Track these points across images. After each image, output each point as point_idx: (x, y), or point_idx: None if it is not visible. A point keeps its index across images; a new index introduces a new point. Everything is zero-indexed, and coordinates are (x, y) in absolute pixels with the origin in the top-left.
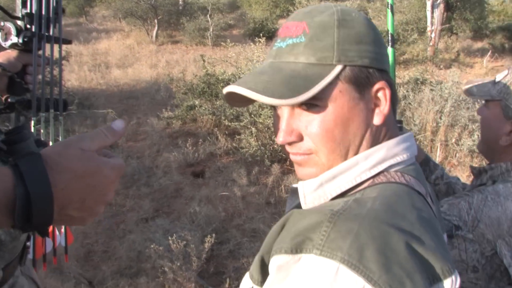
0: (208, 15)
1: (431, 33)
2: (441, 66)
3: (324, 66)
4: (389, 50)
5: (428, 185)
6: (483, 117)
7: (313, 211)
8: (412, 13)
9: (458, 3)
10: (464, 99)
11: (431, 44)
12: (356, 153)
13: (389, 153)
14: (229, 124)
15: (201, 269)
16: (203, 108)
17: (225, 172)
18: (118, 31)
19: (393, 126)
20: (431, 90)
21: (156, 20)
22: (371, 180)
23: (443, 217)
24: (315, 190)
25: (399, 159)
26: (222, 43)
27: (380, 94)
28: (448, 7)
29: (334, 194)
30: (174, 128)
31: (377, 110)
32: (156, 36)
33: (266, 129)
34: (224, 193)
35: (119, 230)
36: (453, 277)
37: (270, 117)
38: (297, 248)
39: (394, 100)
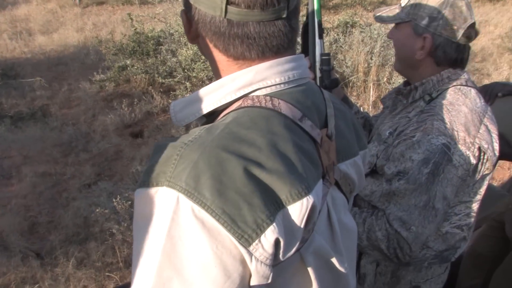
0: None
1: None
2: (370, 8)
3: None
4: None
5: (327, 108)
6: (396, 39)
7: (169, 143)
8: None
9: None
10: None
11: None
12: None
13: (257, 77)
14: (163, 81)
15: None
16: (135, 67)
17: (164, 130)
18: None
19: (260, 57)
20: (361, 32)
21: None
22: (239, 103)
23: (429, 141)
24: (184, 107)
25: (269, 82)
26: (149, 2)
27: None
28: None
29: (202, 113)
30: (108, 91)
31: None
32: None
33: (200, 82)
34: None
35: (62, 198)
36: (304, 200)
37: (203, 70)
38: (153, 182)
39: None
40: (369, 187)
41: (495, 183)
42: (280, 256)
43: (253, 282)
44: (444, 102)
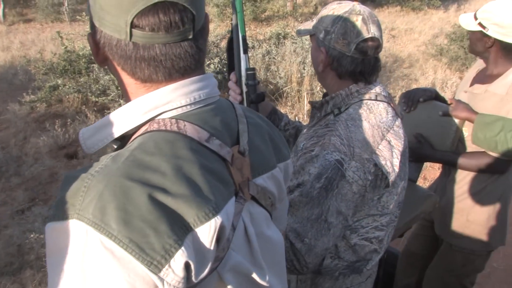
0: None
1: None
2: (301, 20)
3: None
4: None
5: (242, 122)
6: (310, 51)
7: (77, 175)
8: None
9: None
10: None
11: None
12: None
13: (162, 100)
14: (97, 99)
15: None
16: (67, 86)
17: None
18: None
19: (167, 79)
20: (293, 43)
21: None
22: (146, 127)
23: (324, 156)
24: (92, 135)
25: (174, 105)
26: (79, 17)
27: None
28: None
29: (110, 140)
30: (39, 112)
31: None
32: (4, 16)
33: None
34: None
35: None
36: (212, 221)
37: None
38: (63, 215)
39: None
40: None
41: (427, 183)
42: (193, 278)
43: None
44: (346, 117)
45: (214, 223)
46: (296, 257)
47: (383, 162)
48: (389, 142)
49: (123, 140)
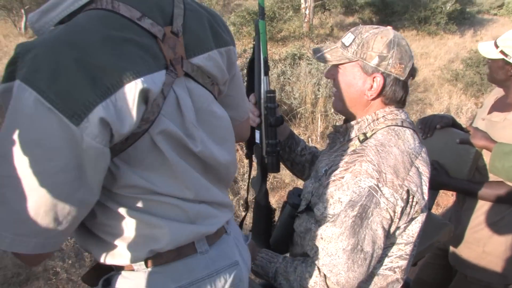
0: None
1: (305, 10)
2: (317, 41)
3: None
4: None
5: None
6: (340, 79)
7: (24, 43)
8: None
9: None
10: None
11: (306, 20)
12: None
13: None
14: None
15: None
16: None
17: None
18: None
19: None
20: (308, 64)
21: (23, 10)
22: (84, 9)
23: (357, 183)
24: (39, 18)
25: None
26: None
27: None
28: None
29: (56, 21)
30: None
31: None
32: (25, 28)
33: None
34: None
35: None
36: (133, 83)
37: None
38: (9, 77)
39: None
40: (304, 225)
41: (440, 209)
42: (116, 135)
43: (91, 159)
44: (375, 142)
45: (135, 85)
46: None
47: (414, 189)
48: (417, 169)
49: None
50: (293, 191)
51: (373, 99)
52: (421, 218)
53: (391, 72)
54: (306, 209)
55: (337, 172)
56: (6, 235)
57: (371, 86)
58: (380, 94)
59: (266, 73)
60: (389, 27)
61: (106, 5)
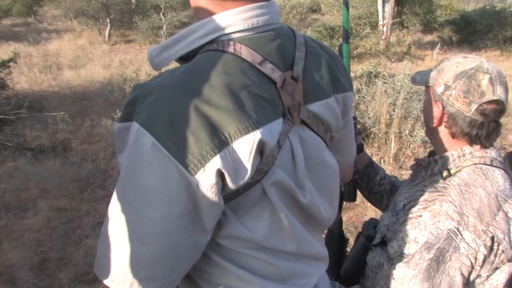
0: (161, 13)
1: (383, 27)
2: (394, 59)
3: None
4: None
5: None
6: (423, 103)
7: (142, 84)
8: (364, 8)
9: None
10: (416, 91)
11: (383, 38)
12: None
13: (222, 23)
14: None
15: None
16: None
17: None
18: (70, 31)
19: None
20: (384, 83)
21: (108, 19)
22: (206, 48)
23: (435, 224)
24: (159, 53)
25: (233, 29)
26: None
27: None
28: (399, 2)
29: (174, 58)
30: None
31: None
32: (109, 36)
33: None
34: None
35: (75, 235)
36: (251, 134)
37: None
38: (127, 117)
39: None
40: (377, 259)
41: None
42: (230, 185)
43: (205, 206)
44: (459, 181)
45: (253, 136)
46: None
47: (501, 236)
48: (506, 214)
49: (187, 59)
50: (369, 221)
51: (437, 127)
52: (508, 268)
53: (453, 103)
54: (380, 243)
55: (415, 209)
56: (126, 279)
57: (435, 113)
58: (444, 124)
59: None
60: (482, 59)
61: (227, 47)
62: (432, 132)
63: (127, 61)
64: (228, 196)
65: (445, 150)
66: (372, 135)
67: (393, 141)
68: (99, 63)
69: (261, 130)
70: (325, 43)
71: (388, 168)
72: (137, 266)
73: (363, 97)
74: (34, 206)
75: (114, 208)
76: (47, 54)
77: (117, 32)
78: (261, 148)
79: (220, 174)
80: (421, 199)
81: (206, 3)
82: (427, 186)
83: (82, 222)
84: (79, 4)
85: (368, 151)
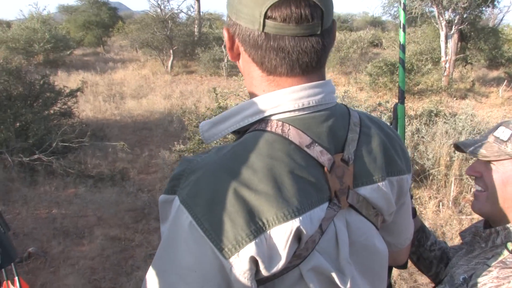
0: (223, 46)
1: (445, 63)
2: (456, 96)
3: None
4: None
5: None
6: (492, 177)
7: (188, 159)
8: (426, 43)
9: (472, 33)
10: (479, 132)
11: (445, 74)
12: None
13: (272, 103)
14: None
15: None
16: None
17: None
18: (134, 61)
19: (288, 73)
20: (445, 123)
21: (171, 51)
22: (255, 126)
23: None
24: (209, 128)
25: (283, 108)
26: (235, 74)
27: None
28: (462, 37)
29: (224, 134)
30: None
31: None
32: (171, 67)
33: None
34: None
35: (127, 266)
36: (290, 222)
37: None
38: (171, 191)
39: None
40: None
41: None
42: (263, 272)
43: (238, 287)
44: None
45: (291, 225)
46: None
47: None
48: None
49: (239, 134)
50: None
51: None
52: None
53: None
54: None
55: (486, 287)
56: None
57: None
58: None
59: None
60: None
61: (276, 128)
62: (510, 207)
63: (187, 92)
64: (263, 279)
65: (508, 221)
66: (430, 177)
67: (453, 184)
68: (160, 93)
69: (300, 218)
70: (385, 79)
71: (448, 212)
72: None
73: (423, 137)
74: (90, 234)
75: (151, 276)
76: (112, 83)
77: (179, 63)
78: (298, 236)
79: (254, 261)
80: (489, 275)
81: (261, 79)
82: (490, 259)
83: (135, 253)
84: (145, 36)
85: (426, 193)
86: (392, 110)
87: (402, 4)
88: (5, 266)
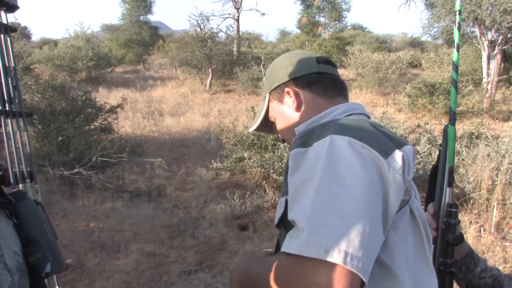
0: (261, 65)
1: (487, 85)
2: (499, 118)
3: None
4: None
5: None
6: None
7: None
8: (467, 64)
9: None
10: None
11: (487, 95)
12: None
13: (350, 108)
14: (277, 177)
15: None
16: (252, 160)
17: (272, 227)
18: (173, 79)
19: (321, 103)
20: (487, 145)
21: (210, 69)
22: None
23: None
24: (305, 127)
25: (356, 111)
26: None
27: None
28: (506, 58)
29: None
30: (222, 179)
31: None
32: (210, 85)
33: None
34: (268, 250)
35: (162, 281)
36: (398, 151)
37: None
38: (303, 144)
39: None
40: None
41: None
42: (406, 175)
43: (393, 189)
44: None
45: (401, 152)
46: None
47: None
48: None
49: None
50: None
51: None
52: None
53: None
54: None
55: None
56: (341, 250)
57: None
58: None
59: (450, 184)
60: None
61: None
62: None
63: (225, 111)
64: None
65: None
66: (471, 201)
67: (495, 209)
68: (198, 111)
69: (401, 150)
70: (424, 100)
71: (489, 238)
72: (352, 240)
73: (463, 159)
74: (126, 248)
75: (315, 198)
76: (151, 100)
77: (218, 81)
78: (406, 164)
79: (403, 160)
80: None
81: (318, 103)
82: None
83: (170, 269)
84: (184, 54)
85: (466, 217)
86: (442, 132)
87: (457, 23)
88: (54, 273)
